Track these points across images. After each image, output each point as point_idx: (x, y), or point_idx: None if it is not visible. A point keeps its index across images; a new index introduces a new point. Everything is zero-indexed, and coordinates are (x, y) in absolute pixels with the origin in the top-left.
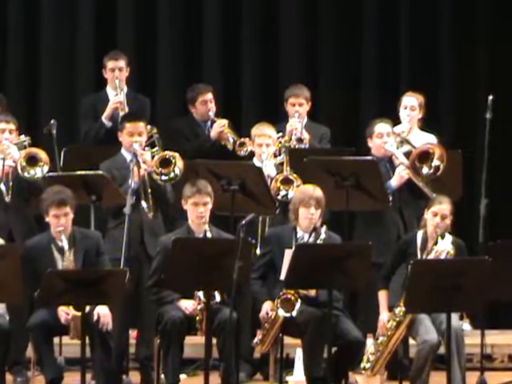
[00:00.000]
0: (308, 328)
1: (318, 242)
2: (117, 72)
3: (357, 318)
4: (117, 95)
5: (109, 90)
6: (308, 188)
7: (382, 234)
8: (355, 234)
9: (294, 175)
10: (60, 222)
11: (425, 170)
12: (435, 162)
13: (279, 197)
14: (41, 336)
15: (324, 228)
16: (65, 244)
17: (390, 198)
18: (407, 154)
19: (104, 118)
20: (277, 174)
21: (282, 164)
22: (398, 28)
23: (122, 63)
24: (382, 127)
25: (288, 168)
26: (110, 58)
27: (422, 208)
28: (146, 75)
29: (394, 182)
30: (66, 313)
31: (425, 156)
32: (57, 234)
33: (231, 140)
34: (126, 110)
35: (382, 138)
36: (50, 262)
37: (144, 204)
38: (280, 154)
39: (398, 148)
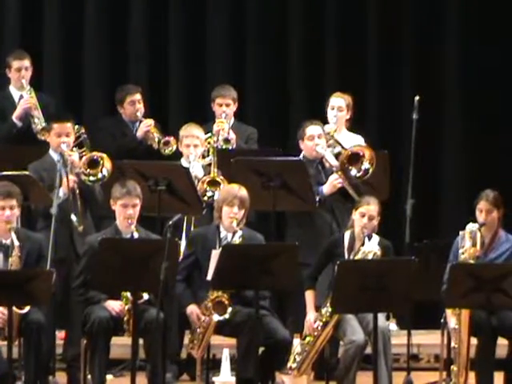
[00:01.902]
0: (245, 328)
1: (236, 239)
2: (23, 71)
3: (286, 318)
4: (22, 95)
5: (12, 89)
6: (233, 187)
7: (315, 234)
8: (287, 234)
9: (221, 177)
10: (5, 213)
11: (353, 171)
12: (365, 165)
13: (205, 198)
14: None
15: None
16: (14, 239)
17: (318, 199)
18: (338, 156)
19: (15, 118)
20: (204, 175)
21: (209, 165)
22: (323, 29)
23: (27, 63)
24: (312, 129)
25: (215, 169)
26: (15, 58)
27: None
28: (73, 75)
29: (326, 188)
30: (1, 312)
31: (355, 158)
32: (3, 229)
33: (157, 140)
34: (39, 109)
35: (314, 140)
36: None
37: (73, 217)
38: (208, 155)
39: (329, 149)
